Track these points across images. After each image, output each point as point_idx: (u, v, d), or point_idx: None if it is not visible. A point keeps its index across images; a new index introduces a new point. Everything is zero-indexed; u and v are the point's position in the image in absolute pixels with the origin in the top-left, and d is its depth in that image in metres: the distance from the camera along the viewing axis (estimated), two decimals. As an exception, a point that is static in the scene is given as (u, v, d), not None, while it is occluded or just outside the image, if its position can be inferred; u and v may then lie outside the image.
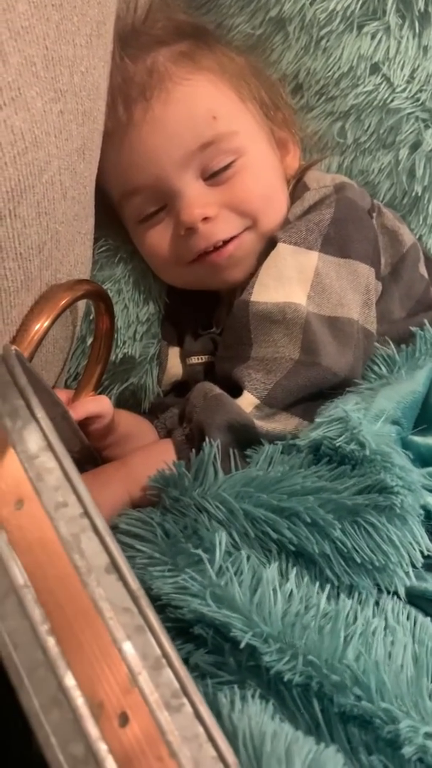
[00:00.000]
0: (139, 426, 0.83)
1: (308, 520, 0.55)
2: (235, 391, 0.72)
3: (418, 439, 0.65)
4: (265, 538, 0.57)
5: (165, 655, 0.36)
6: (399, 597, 0.56)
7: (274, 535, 0.56)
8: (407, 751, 0.45)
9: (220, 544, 0.54)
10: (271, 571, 0.53)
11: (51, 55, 0.56)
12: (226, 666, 0.51)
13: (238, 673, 0.50)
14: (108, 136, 0.74)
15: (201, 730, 0.35)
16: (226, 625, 0.50)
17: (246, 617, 0.50)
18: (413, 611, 0.56)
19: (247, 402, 0.70)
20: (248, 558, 0.54)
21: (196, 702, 0.35)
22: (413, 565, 0.56)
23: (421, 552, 0.56)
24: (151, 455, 0.70)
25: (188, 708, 0.35)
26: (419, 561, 0.56)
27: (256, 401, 0.69)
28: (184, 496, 0.61)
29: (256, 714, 0.44)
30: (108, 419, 0.76)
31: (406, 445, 0.65)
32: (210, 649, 0.52)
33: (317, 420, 0.64)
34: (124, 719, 0.35)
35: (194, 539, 0.57)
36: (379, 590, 0.56)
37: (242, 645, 0.49)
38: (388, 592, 0.56)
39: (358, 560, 0.54)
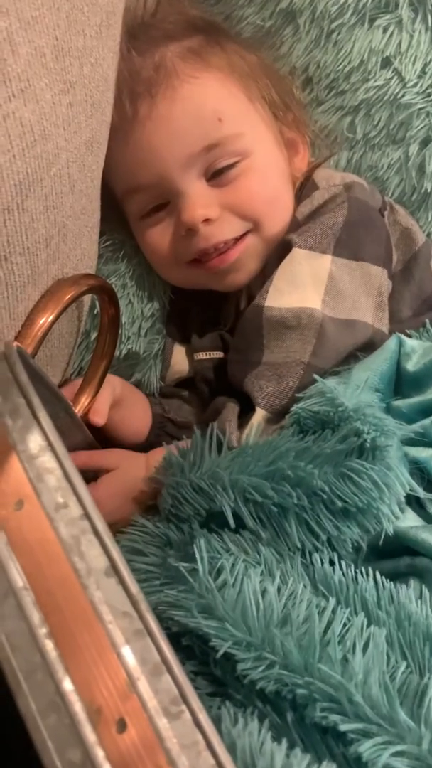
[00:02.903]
0: (132, 394, 0.84)
1: (291, 475, 0.55)
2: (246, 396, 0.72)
3: (399, 403, 0.65)
4: (255, 523, 0.57)
5: (164, 660, 0.36)
6: (384, 581, 0.55)
7: (259, 499, 0.56)
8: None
9: (199, 550, 0.54)
10: (255, 578, 0.52)
11: (61, 45, 0.56)
12: (212, 677, 0.51)
13: (223, 684, 0.50)
14: (113, 130, 0.73)
15: (200, 737, 0.34)
16: (208, 635, 0.49)
17: (230, 625, 0.49)
18: (397, 593, 0.54)
19: (261, 417, 0.70)
20: (233, 565, 0.53)
21: (195, 709, 0.35)
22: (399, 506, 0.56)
23: (404, 489, 0.56)
24: None
25: (187, 715, 0.35)
26: (401, 494, 0.56)
27: (269, 415, 0.69)
28: (183, 478, 0.61)
29: (255, 729, 0.43)
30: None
31: (389, 410, 0.65)
32: (200, 660, 0.51)
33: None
34: (122, 725, 0.35)
35: (189, 547, 0.56)
36: (362, 574, 0.55)
37: (218, 654, 0.48)
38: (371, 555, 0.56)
39: (340, 504, 0.54)
